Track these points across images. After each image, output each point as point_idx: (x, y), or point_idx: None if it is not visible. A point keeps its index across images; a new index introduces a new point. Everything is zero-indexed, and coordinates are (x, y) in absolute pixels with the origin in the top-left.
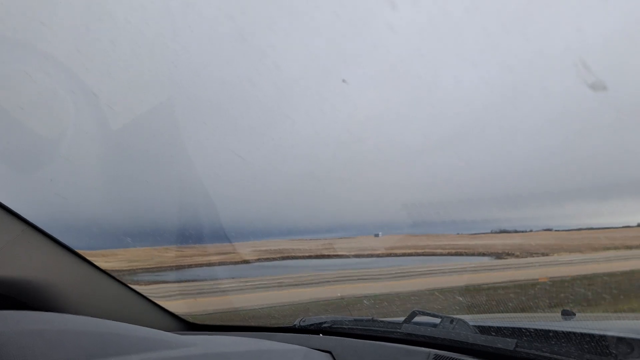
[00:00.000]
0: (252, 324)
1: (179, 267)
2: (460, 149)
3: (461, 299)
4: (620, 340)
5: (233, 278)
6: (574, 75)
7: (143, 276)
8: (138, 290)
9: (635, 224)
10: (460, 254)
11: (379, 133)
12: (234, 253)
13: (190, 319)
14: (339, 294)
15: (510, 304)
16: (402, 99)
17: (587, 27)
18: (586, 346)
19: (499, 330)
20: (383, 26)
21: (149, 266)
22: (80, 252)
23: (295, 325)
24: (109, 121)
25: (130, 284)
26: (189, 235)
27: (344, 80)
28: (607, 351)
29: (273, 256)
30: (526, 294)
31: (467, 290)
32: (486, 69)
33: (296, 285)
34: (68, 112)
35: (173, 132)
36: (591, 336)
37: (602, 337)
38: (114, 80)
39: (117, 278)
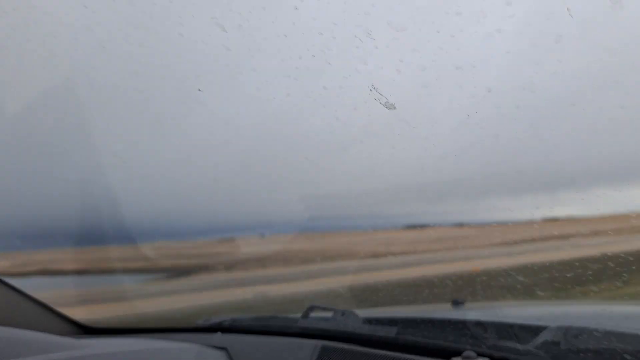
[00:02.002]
0: (154, 325)
1: (79, 271)
2: (371, 145)
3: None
4: (481, 324)
5: (137, 282)
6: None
7: (39, 280)
8: (33, 296)
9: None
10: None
11: (286, 129)
12: (138, 256)
13: (90, 324)
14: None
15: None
16: (312, 93)
17: None
18: (462, 330)
19: (387, 321)
20: (292, 19)
21: (45, 270)
22: None
23: (197, 325)
24: None
25: (24, 289)
26: (89, 237)
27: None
28: (468, 332)
29: (178, 261)
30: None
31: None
32: (397, 65)
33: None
34: None
35: (70, 120)
36: (464, 322)
37: (474, 323)
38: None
39: (8, 283)
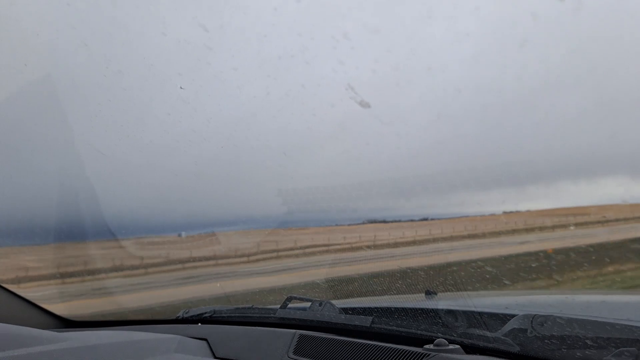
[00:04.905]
0: (134, 318)
1: (59, 266)
2: (347, 141)
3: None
4: (452, 312)
5: (117, 277)
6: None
7: (19, 275)
8: (13, 290)
9: (501, 212)
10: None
11: (265, 126)
12: (117, 250)
13: (71, 317)
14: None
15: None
16: (291, 92)
17: None
18: (433, 319)
19: (362, 310)
20: (272, 20)
21: (25, 265)
22: None
23: (177, 317)
24: None
25: (3, 283)
26: (69, 232)
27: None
28: (439, 321)
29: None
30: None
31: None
32: (372, 65)
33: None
34: None
35: (52, 118)
36: (436, 311)
37: (445, 312)
38: None
39: None
